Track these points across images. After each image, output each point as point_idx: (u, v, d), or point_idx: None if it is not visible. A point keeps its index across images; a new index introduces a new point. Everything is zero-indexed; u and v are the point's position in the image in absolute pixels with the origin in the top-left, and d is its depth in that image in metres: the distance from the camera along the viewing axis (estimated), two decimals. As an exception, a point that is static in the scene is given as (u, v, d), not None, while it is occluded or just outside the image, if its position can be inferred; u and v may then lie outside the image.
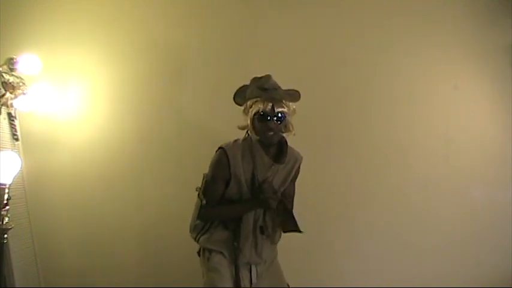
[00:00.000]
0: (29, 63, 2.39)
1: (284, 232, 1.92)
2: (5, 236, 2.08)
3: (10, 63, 2.35)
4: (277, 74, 1.85)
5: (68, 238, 2.62)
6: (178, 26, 2.71)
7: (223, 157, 1.78)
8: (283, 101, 1.76)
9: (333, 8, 2.77)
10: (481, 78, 2.84)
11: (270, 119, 1.73)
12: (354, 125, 2.76)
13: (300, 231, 1.85)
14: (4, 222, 2.08)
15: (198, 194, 1.88)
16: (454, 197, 2.77)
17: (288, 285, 1.97)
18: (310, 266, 2.66)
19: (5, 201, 2.08)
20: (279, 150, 1.86)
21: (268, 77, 1.79)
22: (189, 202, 1.95)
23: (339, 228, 2.72)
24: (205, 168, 1.87)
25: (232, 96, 1.84)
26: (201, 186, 1.88)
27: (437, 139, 2.80)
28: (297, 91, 1.82)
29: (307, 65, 2.70)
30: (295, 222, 1.86)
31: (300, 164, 1.96)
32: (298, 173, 1.98)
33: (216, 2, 2.74)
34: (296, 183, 2.02)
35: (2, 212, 2.07)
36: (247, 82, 1.85)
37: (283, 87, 1.82)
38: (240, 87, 1.83)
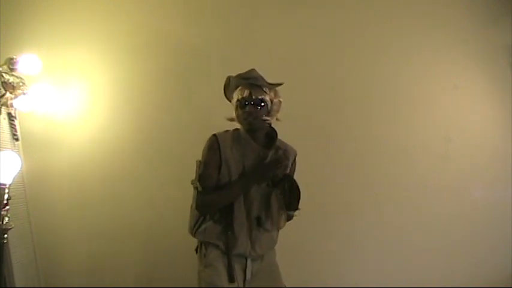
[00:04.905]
0: (29, 63, 2.39)
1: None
2: (5, 236, 2.08)
3: (10, 63, 2.34)
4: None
5: (68, 238, 2.61)
6: (178, 25, 2.70)
7: (214, 142, 1.86)
8: (263, 88, 1.83)
9: (332, 8, 2.77)
10: (481, 78, 2.84)
11: (248, 105, 1.82)
12: (353, 125, 2.76)
13: (292, 216, 1.89)
14: (4, 222, 2.07)
15: (193, 184, 1.88)
16: (454, 197, 2.77)
17: (284, 285, 1.94)
18: (310, 266, 2.65)
19: (5, 201, 2.08)
20: (268, 140, 1.92)
21: (251, 70, 1.87)
22: (189, 202, 1.95)
23: (339, 228, 2.72)
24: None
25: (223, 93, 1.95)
26: (196, 174, 1.89)
27: (437, 139, 2.80)
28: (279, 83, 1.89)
29: (307, 66, 2.70)
30: (294, 205, 1.86)
31: (295, 158, 1.97)
32: (295, 169, 1.99)
33: (216, 0, 2.75)
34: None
35: (2, 212, 2.07)
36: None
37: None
38: (225, 82, 1.92)
